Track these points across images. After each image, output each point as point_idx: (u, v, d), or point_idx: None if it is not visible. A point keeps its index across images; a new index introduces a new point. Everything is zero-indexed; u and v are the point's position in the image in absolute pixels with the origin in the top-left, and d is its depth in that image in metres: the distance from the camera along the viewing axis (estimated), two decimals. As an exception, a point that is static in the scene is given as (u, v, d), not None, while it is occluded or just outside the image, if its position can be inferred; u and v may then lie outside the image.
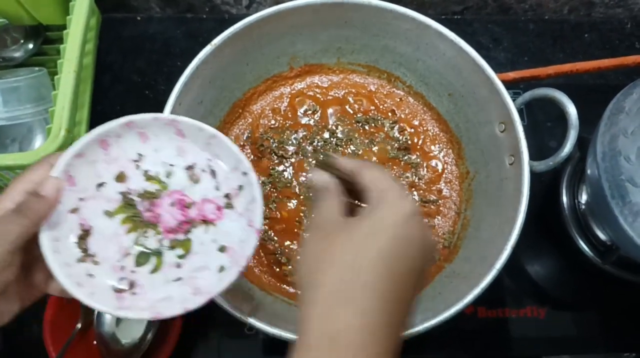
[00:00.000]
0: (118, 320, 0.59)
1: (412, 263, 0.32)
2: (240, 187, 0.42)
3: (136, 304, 0.38)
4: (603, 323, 0.63)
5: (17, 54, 0.69)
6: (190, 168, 0.43)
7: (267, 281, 0.58)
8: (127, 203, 0.41)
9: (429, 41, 0.59)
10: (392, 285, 0.31)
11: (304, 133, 0.64)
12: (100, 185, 0.41)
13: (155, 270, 0.40)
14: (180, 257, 0.41)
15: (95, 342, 0.58)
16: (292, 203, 0.61)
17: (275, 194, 0.61)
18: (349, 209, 0.36)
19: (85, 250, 0.39)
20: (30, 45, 0.70)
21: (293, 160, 0.63)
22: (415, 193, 0.62)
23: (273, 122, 0.65)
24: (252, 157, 0.63)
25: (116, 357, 0.57)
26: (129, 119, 0.40)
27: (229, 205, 0.42)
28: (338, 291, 0.31)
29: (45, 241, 0.37)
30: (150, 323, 0.57)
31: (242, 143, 0.64)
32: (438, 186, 0.63)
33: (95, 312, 0.58)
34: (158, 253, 0.41)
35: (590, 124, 0.55)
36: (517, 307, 0.63)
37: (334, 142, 0.63)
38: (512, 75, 0.67)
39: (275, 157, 0.63)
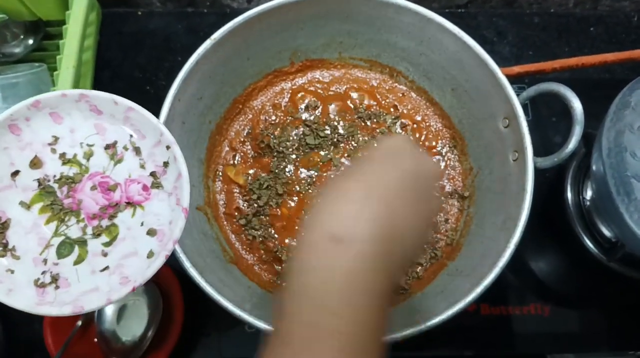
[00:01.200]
0: (119, 318, 0.59)
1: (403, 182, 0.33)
2: (166, 164, 0.40)
3: (60, 299, 0.36)
4: (607, 321, 0.63)
5: (17, 50, 0.69)
6: (110, 146, 0.40)
7: (268, 279, 0.58)
8: (45, 190, 0.39)
9: (431, 35, 0.58)
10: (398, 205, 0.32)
11: (305, 129, 0.63)
12: (15, 173, 0.39)
13: (79, 260, 0.38)
14: (106, 244, 0.39)
15: (95, 340, 0.58)
16: (293, 201, 0.60)
17: (276, 191, 0.60)
18: None
19: (3, 244, 0.37)
20: (30, 41, 0.70)
21: (294, 156, 0.62)
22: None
23: (274, 117, 0.65)
24: (252, 153, 0.63)
25: (117, 355, 0.57)
26: (35, 99, 0.38)
27: (157, 184, 0.40)
28: (352, 196, 0.32)
29: None
30: (152, 321, 0.57)
31: (242, 139, 0.64)
32: (441, 182, 0.62)
33: (96, 310, 0.58)
34: (81, 243, 0.39)
35: (596, 119, 0.54)
36: (520, 304, 0.62)
37: (335, 138, 0.63)
38: (516, 69, 0.66)
39: (276, 153, 0.62)
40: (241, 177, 0.61)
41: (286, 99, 0.65)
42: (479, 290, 0.47)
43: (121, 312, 0.59)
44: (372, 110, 0.65)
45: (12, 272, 0.37)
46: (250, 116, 0.65)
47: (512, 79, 0.58)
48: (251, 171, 0.62)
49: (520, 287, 0.64)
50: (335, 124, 0.64)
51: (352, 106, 0.65)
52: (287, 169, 0.62)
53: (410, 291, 0.57)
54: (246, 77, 0.63)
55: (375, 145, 0.36)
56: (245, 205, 0.61)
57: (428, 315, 0.47)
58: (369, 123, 0.64)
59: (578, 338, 0.62)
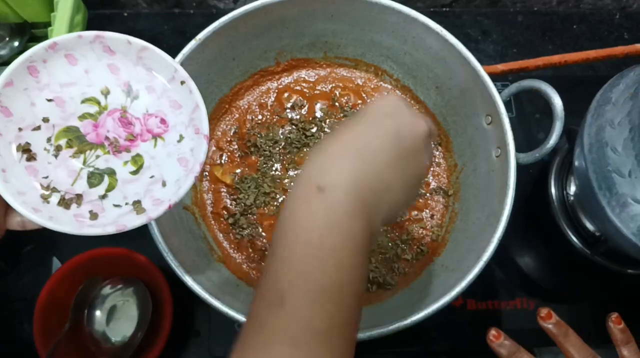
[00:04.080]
0: (108, 319, 0.59)
1: (387, 137, 0.35)
2: (181, 97, 0.42)
3: (98, 222, 0.38)
4: (593, 314, 0.63)
5: (2, 52, 0.69)
6: (126, 85, 0.42)
7: (256, 277, 0.58)
8: (68, 127, 0.41)
9: (415, 34, 0.59)
10: (389, 153, 0.35)
11: (292, 128, 0.64)
12: (45, 119, 0.41)
13: (110, 188, 0.40)
14: (134, 173, 0.41)
15: (85, 341, 0.58)
16: (280, 199, 0.61)
17: (264, 190, 0.61)
18: None
19: (43, 180, 0.39)
20: (16, 43, 0.70)
21: (281, 155, 0.63)
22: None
23: (260, 117, 0.65)
24: (239, 153, 0.63)
25: (107, 356, 0.57)
26: (52, 41, 0.40)
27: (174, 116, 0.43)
28: (337, 152, 0.34)
29: None
30: (141, 322, 0.57)
31: (229, 138, 0.64)
32: (426, 179, 0.63)
33: (85, 311, 0.58)
34: (110, 172, 0.41)
35: (580, 116, 0.55)
36: (507, 299, 0.63)
37: (321, 137, 0.63)
38: (500, 67, 0.67)
39: (263, 152, 0.62)
40: (228, 176, 0.62)
41: (272, 99, 0.66)
42: (463, 284, 0.47)
43: (110, 313, 0.59)
44: (358, 108, 0.65)
45: (48, 201, 0.38)
46: (237, 116, 0.65)
47: (497, 77, 0.59)
48: (238, 170, 0.62)
49: (506, 282, 0.64)
50: (322, 122, 0.64)
51: (337, 105, 0.66)
52: (274, 168, 0.62)
53: (396, 286, 0.57)
54: (232, 77, 0.63)
55: (368, 103, 0.37)
56: (232, 204, 0.61)
57: (414, 310, 0.47)
58: (355, 121, 0.65)
59: (564, 332, 0.62)
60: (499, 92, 0.54)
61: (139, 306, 0.59)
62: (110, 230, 0.37)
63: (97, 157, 0.41)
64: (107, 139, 0.41)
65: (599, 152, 0.50)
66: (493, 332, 0.47)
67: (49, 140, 0.40)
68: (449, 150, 0.63)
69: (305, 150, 0.63)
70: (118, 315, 0.59)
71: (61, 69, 0.41)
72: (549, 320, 0.47)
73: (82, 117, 0.41)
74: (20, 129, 0.39)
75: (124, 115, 0.42)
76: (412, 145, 0.36)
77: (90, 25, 0.75)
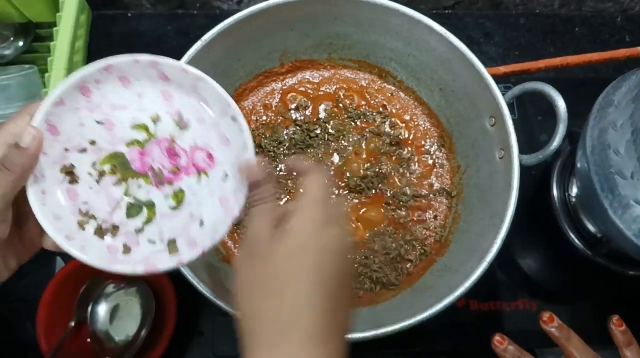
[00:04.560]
0: (112, 318, 0.59)
1: (338, 270, 0.33)
2: (231, 134, 0.40)
3: (131, 258, 0.37)
4: (595, 315, 0.63)
5: (7, 52, 0.69)
6: (177, 114, 0.40)
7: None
8: (115, 153, 0.39)
9: (419, 36, 0.59)
10: (326, 298, 0.31)
11: (296, 129, 0.64)
12: (92, 143, 0.39)
13: (147, 222, 0.39)
14: (174, 208, 0.39)
15: (89, 340, 0.58)
16: (285, 200, 0.61)
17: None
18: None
19: (82, 206, 0.38)
20: (21, 43, 0.70)
21: (285, 156, 0.63)
22: (407, 188, 0.62)
23: (265, 118, 0.65)
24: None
25: (110, 355, 0.57)
26: (107, 63, 0.38)
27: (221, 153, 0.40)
28: (268, 335, 0.31)
29: (33, 195, 0.35)
30: (145, 321, 0.58)
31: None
32: (430, 180, 0.63)
33: (89, 310, 0.58)
34: (150, 205, 0.39)
35: (582, 118, 0.55)
36: (509, 300, 0.63)
37: (325, 138, 0.64)
38: (503, 69, 0.67)
39: (268, 153, 0.63)
40: (233, 176, 0.62)
41: (277, 100, 0.66)
42: (467, 285, 0.48)
43: (114, 312, 0.59)
44: (362, 110, 0.66)
45: (84, 229, 0.37)
46: (242, 117, 0.65)
47: (499, 79, 0.59)
48: (243, 171, 0.62)
49: (509, 283, 0.64)
50: (326, 124, 0.64)
51: (342, 106, 0.66)
52: (278, 169, 0.62)
53: (400, 287, 0.58)
54: (237, 78, 0.64)
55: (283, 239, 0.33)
56: (237, 204, 0.61)
57: (418, 310, 0.47)
58: (358, 122, 0.65)
59: (566, 333, 0.63)
60: (502, 95, 0.54)
61: (142, 306, 0.59)
62: (139, 270, 0.36)
63: (139, 187, 0.39)
64: (151, 169, 0.39)
65: (602, 155, 0.50)
66: (498, 337, 0.48)
67: (94, 164, 0.39)
68: (452, 151, 0.64)
69: (309, 151, 0.63)
70: (121, 315, 0.59)
71: (114, 91, 0.39)
72: (552, 324, 0.47)
73: (131, 143, 0.39)
74: (66, 150, 0.38)
75: (171, 146, 0.40)
76: (352, 262, 0.35)
77: (94, 25, 0.75)
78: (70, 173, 0.38)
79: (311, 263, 0.32)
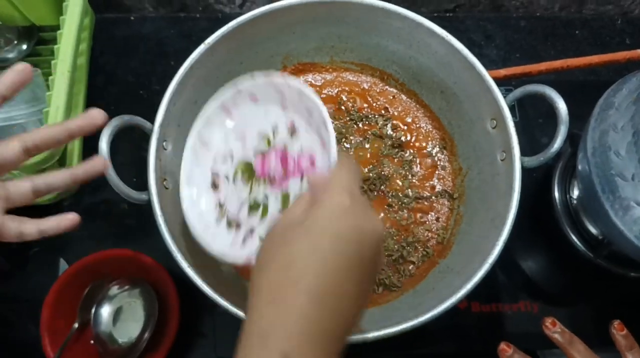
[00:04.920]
0: (115, 320, 0.59)
1: (348, 260, 0.32)
2: (326, 140, 0.45)
3: (244, 251, 0.44)
4: (596, 317, 0.64)
5: (10, 55, 0.69)
6: (291, 123, 0.47)
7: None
8: (246, 160, 0.47)
9: (420, 39, 0.60)
10: (326, 283, 0.31)
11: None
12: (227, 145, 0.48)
13: (261, 219, 0.45)
14: (280, 210, 0.45)
15: (92, 342, 0.58)
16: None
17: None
18: None
19: (220, 204, 0.47)
20: (24, 46, 0.70)
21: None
22: (409, 190, 0.63)
23: (267, 120, 0.65)
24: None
25: (113, 357, 0.58)
26: (236, 88, 0.47)
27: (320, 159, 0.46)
28: (272, 291, 0.31)
29: (187, 198, 0.46)
30: (148, 323, 0.58)
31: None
32: (431, 182, 0.63)
33: (92, 312, 0.59)
34: (265, 205, 0.46)
35: (582, 120, 0.55)
36: (510, 302, 0.63)
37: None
38: (503, 72, 0.68)
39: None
40: (235, 179, 0.62)
41: (279, 102, 0.66)
42: (469, 286, 0.48)
43: (117, 314, 0.59)
44: (364, 112, 0.66)
45: (220, 222, 0.46)
46: (244, 119, 0.65)
47: (500, 82, 0.59)
48: (245, 173, 0.63)
49: (510, 285, 0.65)
50: (328, 126, 0.65)
51: (344, 109, 0.66)
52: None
53: (402, 288, 0.58)
54: (239, 80, 0.64)
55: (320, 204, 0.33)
56: (239, 206, 0.61)
57: (420, 312, 0.48)
58: (360, 125, 0.65)
59: (567, 335, 0.63)
60: (503, 97, 0.54)
61: (146, 307, 0.59)
62: (240, 259, 0.43)
63: (259, 189, 0.46)
64: (268, 173, 0.46)
65: (603, 156, 0.50)
66: (503, 345, 0.48)
67: (235, 172, 0.47)
68: (453, 153, 0.64)
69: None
70: (124, 317, 0.59)
71: (247, 108, 0.48)
72: (554, 328, 0.47)
73: (257, 152, 0.47)
74: (214, 160, 0.47)
75: (284, 153, 0.46)
76: (374, 254, 0.33)
77: (97, 28, 0.76)
78: (215, 178, 0.47)
79: (326, 247, 0.31)
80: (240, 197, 0.46)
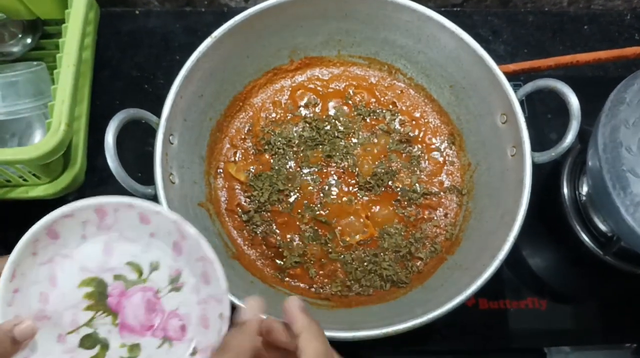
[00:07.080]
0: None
1: None
2: (212, 318, 0.38)
3: None
4: (604, 315, 0.63)
5: (15, 49, 0.69)
6: (177, 272, 0.38)
7: (270, 274, 0.58)
8: (100, 279, 0.37)
9: (429, 33, 0.59)
10: None
11: (305, 125, 0.64)
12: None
13: None
14: None
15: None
16: (294, 197, 0.61)
17: (278, 187, 0.61)
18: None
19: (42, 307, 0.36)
20: (29, 40, 0.70)
21: (294, 153, 0.63)
22: (417, 185, 0.62)
23: (274, 115, 0.65)
24: (253, 150, 0.63)
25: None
26: (131, 201, 0.37)
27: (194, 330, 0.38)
28: None
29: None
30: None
31: (243, 136, 0.64)
32: (440, 178, 0.63)
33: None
34: (104, 345, 0.37)
35: (590, 116, 0.55)
36: (517, 299, 0.63)
37: (335, 135, 0.63)
38: (512, 67, 0.67)
39: (277, 150, 0.63)
40: (242, 173, 0.62)
41: (286, 97, 0.66)
42: (478, 283, 0.47)
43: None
44: (371, 107, 0.66)
45: (41, 328, 0.36)
46: (251, 113, 0.65)
47: (508, 77, 0.59)
48: (252, 168, 0.62)
49: (518, 282, 0.64)
50: (335, 120, 0.64)
51: (351, 103, 0.66)
52: (287, 166, 0.62)
53: (410, 285, 0.57)
54: (246, 74, 0.64)
55: None
56: (246, 201, 0.61)
57: (428, 308, 0.47)
58: (368, 119, 0.65)
59: (575, 332, 0.62)
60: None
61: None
62: None
63: (104, 324, 0.37)
64: (123, 312, 0.37)
65: (614, 152, 0.50)
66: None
67: (81, 283, 0.37)
68: (462, 149, 0.63)
69: (319, 148, 0.63)
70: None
71: (129, 223, 0.37)
72: None
73: (118, 276, 0.37)
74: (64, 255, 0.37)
75: (154, 300, 0.38)
76: None
77: (101, 23, 0.75)
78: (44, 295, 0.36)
79: None
80: (76, 319, 0.36)
